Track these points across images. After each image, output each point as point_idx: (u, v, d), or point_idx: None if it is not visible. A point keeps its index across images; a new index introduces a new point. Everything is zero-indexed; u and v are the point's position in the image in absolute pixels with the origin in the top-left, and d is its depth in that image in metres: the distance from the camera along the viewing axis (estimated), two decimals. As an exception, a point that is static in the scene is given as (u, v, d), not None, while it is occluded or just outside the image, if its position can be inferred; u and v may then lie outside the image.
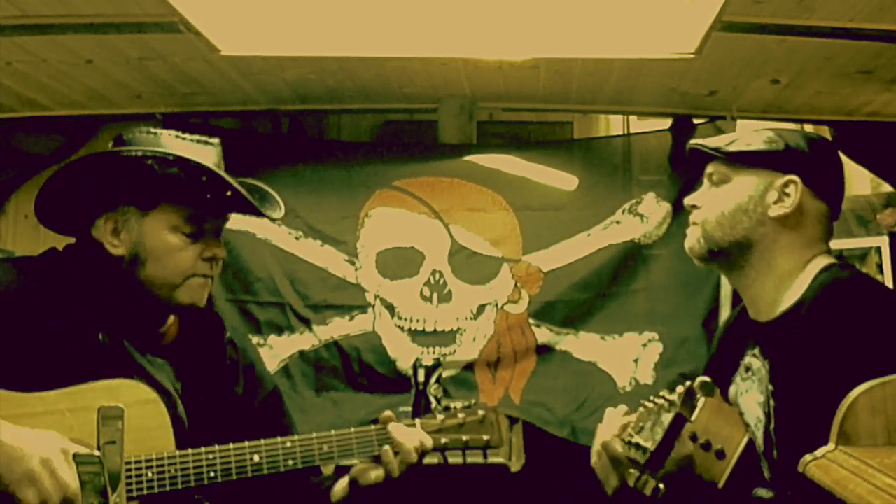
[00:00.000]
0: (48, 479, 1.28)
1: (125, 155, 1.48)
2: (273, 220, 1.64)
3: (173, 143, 1.52)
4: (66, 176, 1.50)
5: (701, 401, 1.25)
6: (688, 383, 1.27)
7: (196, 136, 1.57)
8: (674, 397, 1.27)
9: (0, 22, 2.12)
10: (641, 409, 1.40)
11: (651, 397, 1.36)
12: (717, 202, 1.52)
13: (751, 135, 1.53)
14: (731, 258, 1.52)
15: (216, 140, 1.59)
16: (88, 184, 1.50)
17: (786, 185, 1.47)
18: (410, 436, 1.60)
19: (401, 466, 1.59)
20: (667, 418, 1.27)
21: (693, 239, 1.56)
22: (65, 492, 1.28)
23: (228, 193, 1.50)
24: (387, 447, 1.59)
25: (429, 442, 1.62)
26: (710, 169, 1.56)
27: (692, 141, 1.60)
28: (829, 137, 3.15)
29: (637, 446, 1.30)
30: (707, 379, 1.26)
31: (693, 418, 1.29)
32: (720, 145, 1.53)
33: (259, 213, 1.56)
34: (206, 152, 1.54)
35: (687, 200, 1.59)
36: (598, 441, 1.49)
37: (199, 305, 1.56)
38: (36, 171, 3.28)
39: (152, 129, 1.54)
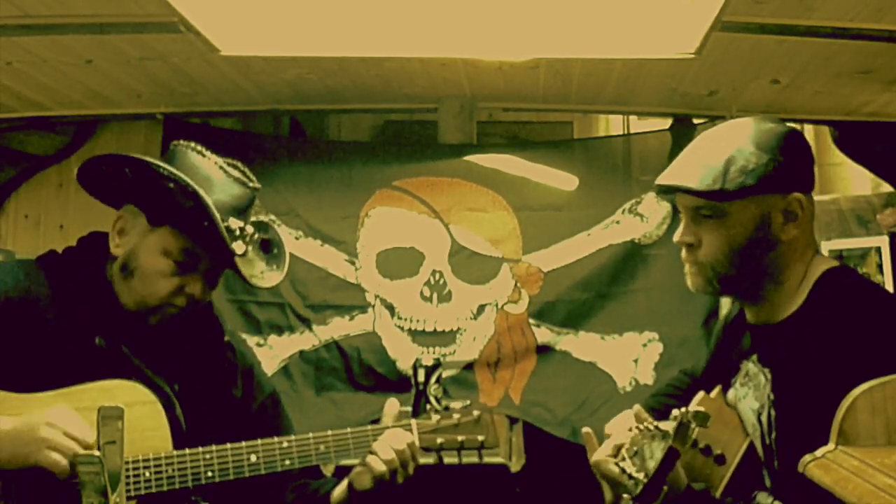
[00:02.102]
0: (62, 437, 1.31)
1: (152, 168, 1.49)
2: (260, 287, 1.68)
3: (211, 172, 1.53)
4: (97, 166, 1.53)
5: (695, 431, 1.22)
6: (683, 409, 1.24)
7: (237, 172, 1.57)
8: (668, 428, 1.23)
9: (0, 22, 2.12)
10: (636, 430, 1.35)
11: (644, 424, 1.33)
12: (722, 239, 1.41)
13: (735, 156, 1.37)
14: (740, 284, 1.46)
15: (256, 185, 1.60)
16: (115, 179, 1.54)
17: (790, 204, 1.40)
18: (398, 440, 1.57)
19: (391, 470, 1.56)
20: (660, 451, 1.23)
21: (703, 280, 1.45)
22: (83, 444, 1.30)
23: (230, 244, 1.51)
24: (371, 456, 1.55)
25: (414, 442, 1.59)
26: (695, 203, 1.42)
27: (664, 182, 1.44)
28: (830, 137, 3.16)
29: (630, 476, 1.28)
30: (701, 409, 1.22)
31: (687, 448, 1.26)
32: (714, 186, 1.36)
33: (244, 279, 1.59)
34: (234, 192, 1.55)
35: (678, 239, 1.47)
36: (598, 453, 1.46)
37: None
38: (36, 171, 3.29)
39: (204, 152, 1.56)
